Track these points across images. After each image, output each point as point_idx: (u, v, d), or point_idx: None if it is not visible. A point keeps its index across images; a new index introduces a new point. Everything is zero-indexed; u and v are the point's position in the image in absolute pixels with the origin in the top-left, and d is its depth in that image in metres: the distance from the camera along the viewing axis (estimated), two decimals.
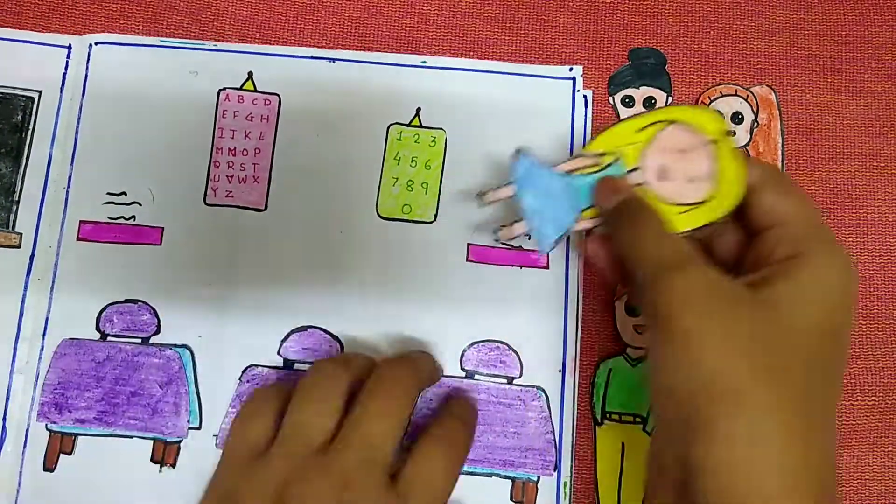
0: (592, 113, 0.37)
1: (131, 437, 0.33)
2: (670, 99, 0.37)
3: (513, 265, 0.35)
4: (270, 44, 0.37)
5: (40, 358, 0.34)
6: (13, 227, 0.35)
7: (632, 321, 0.35)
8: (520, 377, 0.34)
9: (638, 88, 0.37)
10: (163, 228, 0.35)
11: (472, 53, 0.38)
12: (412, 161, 0.36)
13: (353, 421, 0.26)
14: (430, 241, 0.35)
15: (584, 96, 0.37)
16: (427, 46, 0.38)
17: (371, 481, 0.24)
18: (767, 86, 0.37)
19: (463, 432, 0.29)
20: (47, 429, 0.33)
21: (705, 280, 0.22)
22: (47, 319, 0.34)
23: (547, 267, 0.35)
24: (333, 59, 0.37)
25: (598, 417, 0.34)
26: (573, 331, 0.34)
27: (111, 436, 0.33)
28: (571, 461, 0.33)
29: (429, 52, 0.38)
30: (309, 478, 0.24)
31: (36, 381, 0.33)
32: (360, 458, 0.25)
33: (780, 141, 0.37)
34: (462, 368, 0.34)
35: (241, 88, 0.36)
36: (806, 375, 0.22)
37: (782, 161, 0.37)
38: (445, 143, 0.36)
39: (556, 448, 0.33)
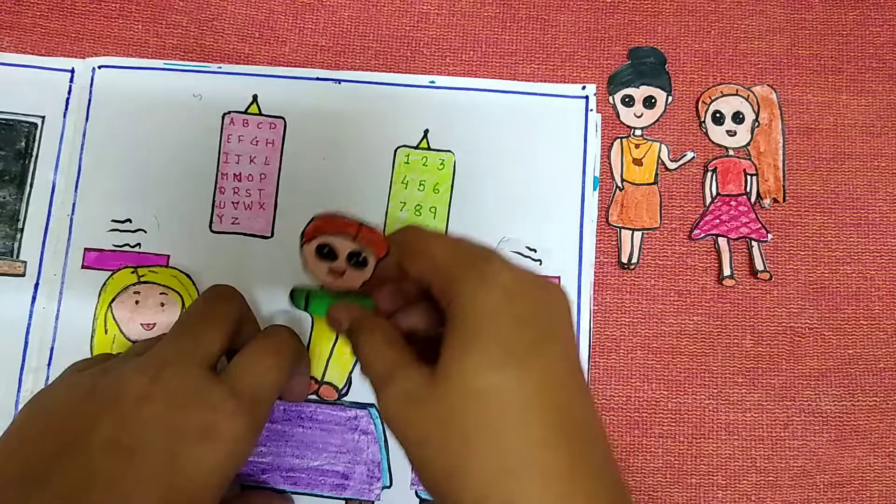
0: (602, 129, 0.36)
1: None
2: (670, 98, 0.37)
3: None
4: (271, 43, 0.37)
5: None
6: (17, 255, 0.35)
7: None
8: None
9: (638, 88, 0.37)
10: (168, 256, 0.35)
11: (471, 52, 0.37)
12: (420, 185, 0.35)
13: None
14: None
15: (596, 121, 0.36)
16: (426, 45, 0.37)
17: (187, 362, 0.26)
18: (768, 85, 0.37)
19: (289, 337, 0.29)
20: None
21: (401, 391, 0.23)
22: (52, 348, 0.34)
23: None
24: (339, 81, 0.36)
25: None
26: (585, 363, 0.33)
27: None
28: None
29: (428, 50, 0.37)
30: (126, 358, 0.27)
31: None
32: (178, 348, 0.26)
33: (781, 141, 0.36)
34: None
35: (245, 112, 0.36)
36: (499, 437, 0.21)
37: (783, 161, 0.36)
38: (454, 166, 0.35)
39: None
